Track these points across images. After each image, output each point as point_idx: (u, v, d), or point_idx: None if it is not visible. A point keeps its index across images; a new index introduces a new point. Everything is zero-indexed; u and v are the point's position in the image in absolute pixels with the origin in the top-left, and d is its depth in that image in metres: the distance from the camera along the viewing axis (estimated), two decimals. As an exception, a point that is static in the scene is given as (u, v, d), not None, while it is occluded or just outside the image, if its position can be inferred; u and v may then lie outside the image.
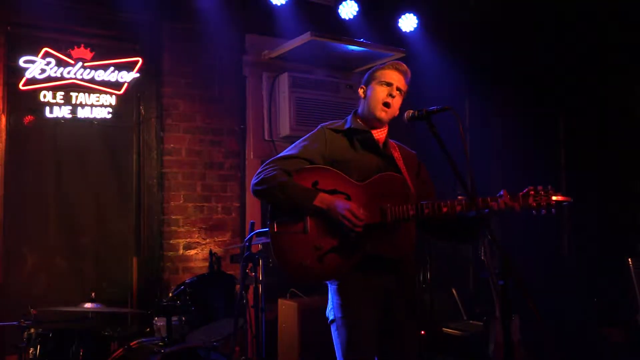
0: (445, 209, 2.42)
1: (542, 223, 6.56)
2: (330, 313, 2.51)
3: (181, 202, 4.65)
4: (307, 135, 2.62)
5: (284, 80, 4.89)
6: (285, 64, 5.03)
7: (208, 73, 4.79)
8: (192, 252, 4.65)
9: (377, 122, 2.63)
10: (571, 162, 6.89)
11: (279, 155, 2.55)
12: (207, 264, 4.41)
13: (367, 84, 2.65)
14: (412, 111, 2.54)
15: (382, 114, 2.61)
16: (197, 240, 4.68)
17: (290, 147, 2.58)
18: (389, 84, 2.59)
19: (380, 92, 2.59)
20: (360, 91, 2.68)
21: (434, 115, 2.49)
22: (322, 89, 4.97)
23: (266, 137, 5.00)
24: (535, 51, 6.15)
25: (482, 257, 4.14)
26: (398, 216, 2.44)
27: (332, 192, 2.44)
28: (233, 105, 4.92)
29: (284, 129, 4.88)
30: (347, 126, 2.63)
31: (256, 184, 2.46)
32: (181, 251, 4.61)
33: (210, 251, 4.33)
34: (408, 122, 2.56)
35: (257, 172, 2.49)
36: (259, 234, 3.96)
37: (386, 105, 2.59)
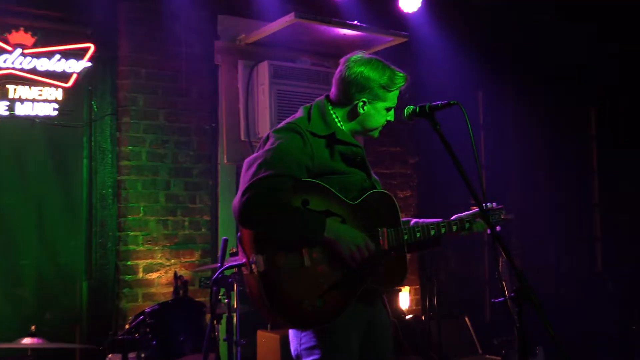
0: (433, 232, 2.66)
1: (574, 233, 6.62)
2: (306, 352, 2.51)
3: (141, 215, 4.63)
4: (284, 140, 2.46)
5: (264, 69, 4.89)
6: (265, 50, 5.03)
7: (173, 61, 4.79)
8: (154, 275, 4.64)
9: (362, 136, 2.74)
10: (604, 163, 6.94)
11: (261, 172, 2.36)
12: (171, 289, 4.38)
13: (371, 98, 2.59)
14: (412, 107, 2.55)
15: (377, 134, 2.72)
16: (160, 261, 4.67)
17: (268, 158, 2.40)
18: (391, 108, 2.66)
19: (383, 117, 2.65)
20: (360, 104, 2.59)
21: (438, 112, 2.50)
22: (309, 79, 4.98)
23: (242, 138, 5.00)
24: (562, 36, 6.19)
25: (499, 275, 4.16)
26: (393, 243, 2.56)
27: (325, 213, 2.45)
28: (203, 100, 4.91)
29: (264, 127, 4.88)
30: (330, 131, 2.56)
31: (250, 212, 2.34)
32: (141, 274, 4.59)
33: (176, 274, 4.32)
34: (407, 119, 2.58)
35: (244, 198, 2.34)
36: (233, 254, 3.99)
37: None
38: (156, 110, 4.73)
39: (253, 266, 2.37)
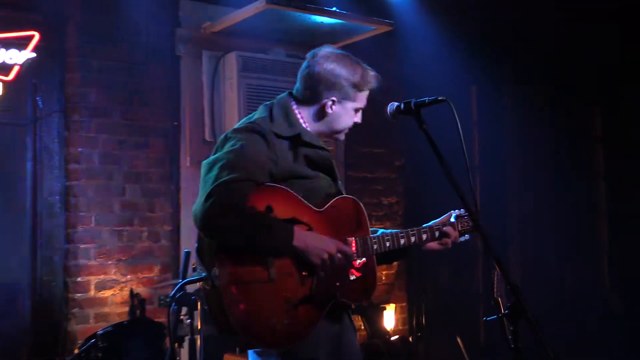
0: (402, 241, 2.73)
1: (578, 244, 6.64)
2: None
3: (93, 225, 4.61)
4: (246, 141, 2.47)
5: (231, 61, 4.88)
6: (233, 40, 5.01)
7: (129, 52, 4.78)
8: (108, 293, 4.61)
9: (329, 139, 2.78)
10: (612, 166, 6.95)
11: (224, 175, 2.37)
12: (127, 308, 4.49)
13: (341, 97, 2.64)
14: (396, 104, 2.55)
15: (343, 137, 2.78)
16: (115, 277, 4.64)
17: (230, 160, 2.41)
18: (359, 109, 2.73)
19: (351, 119, 2.71)
20: (329, 103, 2.63)
21: (425, 109, 2.49)
22: (282, 72, 4.95)
23: (207, 138, 4.98)
24: (564, 28, 6.21)
25: (495, 295, 4.16)
26: (362, 253, 2.60)
27: (291, 221, 2.46)
28: (163, 96, 4.91)
29: (232, 125, 4.82)
30: (294, 132, 2.58)
31: (215, 219, 2.33)
32: (92, 292, 4.56)
33: (132, 291, 4.47)
34: (391, 117, 2.58)
35: (207, 203, 2.32)
36: (196, 268, 3.94)
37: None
38: (110, 107, 4.71)
39: (214, 280, 2.34)
